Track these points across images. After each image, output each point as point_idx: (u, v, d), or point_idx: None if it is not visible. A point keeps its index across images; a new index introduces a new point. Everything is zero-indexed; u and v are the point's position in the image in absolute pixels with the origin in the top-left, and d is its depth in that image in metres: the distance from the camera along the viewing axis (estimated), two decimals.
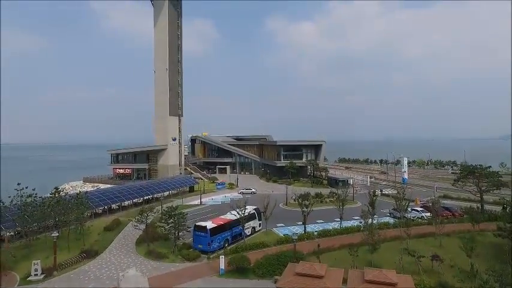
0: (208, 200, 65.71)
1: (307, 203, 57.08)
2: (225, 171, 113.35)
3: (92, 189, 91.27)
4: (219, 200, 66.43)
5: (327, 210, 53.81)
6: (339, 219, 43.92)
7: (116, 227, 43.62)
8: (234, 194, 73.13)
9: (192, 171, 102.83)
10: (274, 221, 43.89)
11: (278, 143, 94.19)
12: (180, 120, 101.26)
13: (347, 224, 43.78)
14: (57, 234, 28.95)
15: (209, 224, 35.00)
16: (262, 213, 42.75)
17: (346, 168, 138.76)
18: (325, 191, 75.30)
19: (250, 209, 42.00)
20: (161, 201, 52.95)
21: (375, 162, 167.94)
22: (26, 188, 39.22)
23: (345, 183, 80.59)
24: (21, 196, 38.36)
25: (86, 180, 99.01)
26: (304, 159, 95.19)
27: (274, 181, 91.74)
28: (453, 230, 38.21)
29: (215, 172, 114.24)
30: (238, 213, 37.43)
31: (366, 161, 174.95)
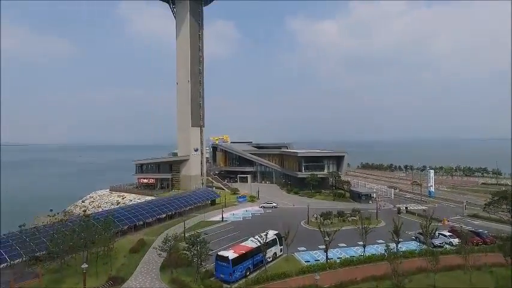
0: (229, 215, 66.25)
1: (328, 223, 56.68)
2: (246, 180, 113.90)
3: (118, 198, 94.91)
4: (240, 215, 66.85)
5: (350, 231, 52.57)
6: (362, 244, 42.95)
7: (141, 248, 44.87)
8: (255, 208, 73.39)
9: (213, 180, 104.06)
10: (295, 244, 43.56)
11: (299, 154, 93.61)
12: (201, 131, 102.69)
13: (370, 249, 42.88)
14: (86, 265, 30.15)
15: (231, 254, 35.29)
16: (283, 238, 42.70)
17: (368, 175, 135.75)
18: (348, 206, 74.18)
19: (271, 234, 42.10)
20: (183, 221, 54.04)
21: (399, 168, 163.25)
22: (55, 213, 41.08)
23: (368, 197, 79.04)
24: (53, 223, 40.24)
25: (113, 189, 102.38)
26: (325, 171, 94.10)
27: (296, 193, 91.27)
28: (484, 263, 36.50)
29: (236, 181, 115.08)
30: (259, 241, 37.56)
31: (390, 167, 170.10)
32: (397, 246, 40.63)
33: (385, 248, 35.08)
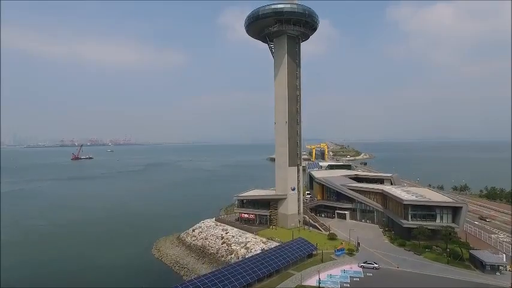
0: (326, 277, 64.95)
1: None
2: (344, 217, 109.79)
3: (222, 232, 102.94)
4: (337, 279, 64.83)
5: None
6: None
7: None
8: (354, 268, 70.13)
9: (310, 219, 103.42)
10: None
11: (405, 202, 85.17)
12: (298, 170, 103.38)
13: None
14: None
15: None
16: None
17: None
18: (465, 277, 64.80)
19: None
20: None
21: None
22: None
23: (494, 268, 66.42)
24: None
25: (218, 220, 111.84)
26: (438, 221, 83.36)
27: (401, 244, 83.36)
28: None
29: (334, 216, 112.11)
30: None
31: None
32: None
33: None
